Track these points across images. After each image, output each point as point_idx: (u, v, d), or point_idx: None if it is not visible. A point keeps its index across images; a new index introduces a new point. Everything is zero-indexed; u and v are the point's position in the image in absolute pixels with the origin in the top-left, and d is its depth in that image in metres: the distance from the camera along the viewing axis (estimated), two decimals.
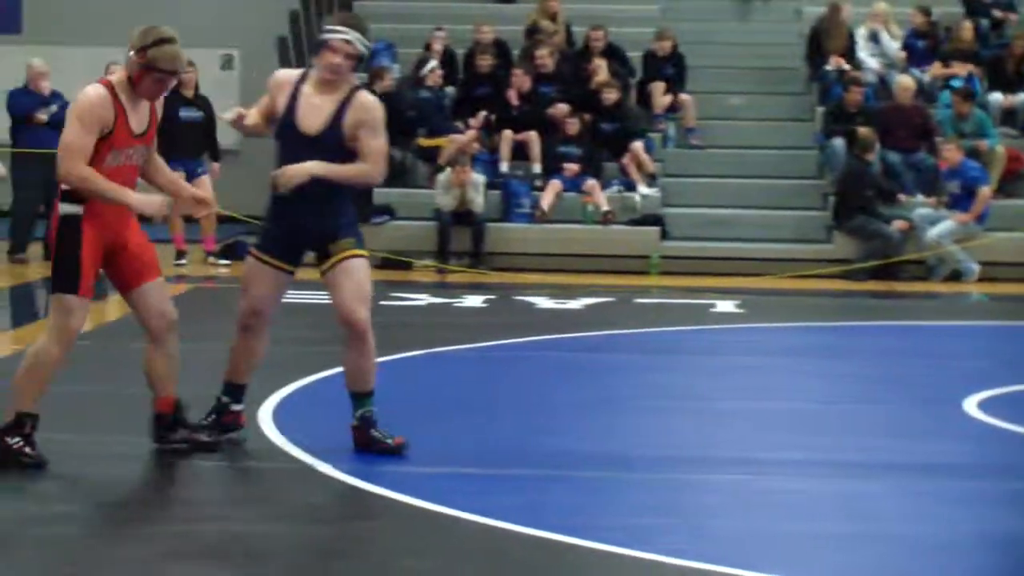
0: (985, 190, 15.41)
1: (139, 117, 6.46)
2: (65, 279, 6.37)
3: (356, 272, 6.62)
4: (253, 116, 6.58)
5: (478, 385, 8.97)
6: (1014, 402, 8.54)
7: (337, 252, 6.60)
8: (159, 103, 6.58)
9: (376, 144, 6.58)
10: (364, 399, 6.76)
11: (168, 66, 6.36)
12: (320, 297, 13.07)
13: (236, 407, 6.91)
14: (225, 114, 6.64)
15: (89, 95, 6.35)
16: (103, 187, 6.30)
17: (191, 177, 15.21)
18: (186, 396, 8.27)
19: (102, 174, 6.34)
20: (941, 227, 15.34)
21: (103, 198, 6.32)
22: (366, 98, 6.58)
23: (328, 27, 6.58)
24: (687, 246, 16.00)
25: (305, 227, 6.63)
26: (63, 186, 6.37)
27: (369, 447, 6.72)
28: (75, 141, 6.28)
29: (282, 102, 6.56)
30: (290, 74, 6.68)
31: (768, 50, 18.94)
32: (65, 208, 6.38)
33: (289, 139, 6.56)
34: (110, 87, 6.38)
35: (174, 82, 6.48)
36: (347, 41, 6.48)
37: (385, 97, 16.49)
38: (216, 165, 15.38)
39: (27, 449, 6.39)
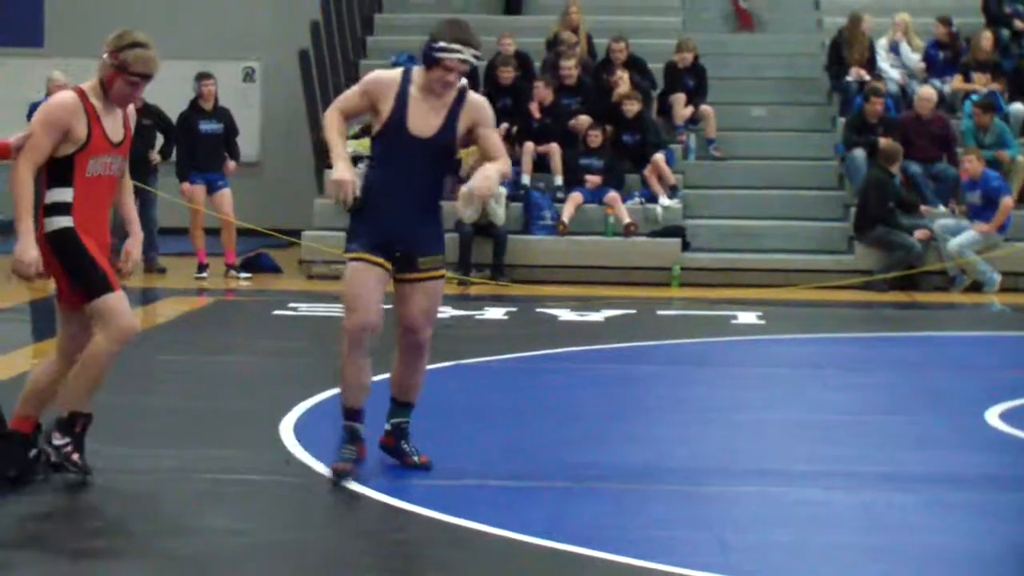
0: (1007, 200, 15.37)
1: (114, 124, 6.41)
2: (95, 284, 6.30)
3: (436, 292, 6.60)
4: (350, 167, 6.35)
5: (500, 397, 8.98)
6: None
7: (426, 267, 6.53)
8: (132, 114, 6.51)
9: (498, 138, 6.66)
10: (404, 409, 6.74)
11: (141, 69, 6.31)
12: (336, 310, 13.11)
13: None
14: (336, 200, 6.39)
15: (56, 98, 6.34)
16: (20, 199, 6.20)
17: (212, 190, 15.30)
18: (208, 407, 8.31)
19: (85, 185, 6.31)
20: (962, 238, 15.31)
21: (14, 207, 6.23)
22: (476, 97, 6.56)
23: (442, 44, 6.35)
24: (708, 257, 15.99)
25: (406, 232, 6.48)
26: (45, 202, 6.32)
27: (393, 455, 6.72)
28: (33, 140, 6.24)
29: (387, 105, 6.43)
30: (392, 76, 6.49)
31: (789, 61, 18.94)
32: (59, 222, 6.31)
33: (398, 142, 6.44)
34: (80, 93, 6.35)
35: (143, 89, 6.42)
36: (463, 61, 6.38)
37: None
38: (232, 164, 15.44)
39: (75, 456, 6.39)
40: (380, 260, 6.45)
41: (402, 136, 6.43)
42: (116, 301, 6.32)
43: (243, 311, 13.54)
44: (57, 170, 6.31)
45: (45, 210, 6.31)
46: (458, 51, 6.36)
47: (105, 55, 6.34)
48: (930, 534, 5.99)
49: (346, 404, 6.57)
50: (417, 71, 6.49)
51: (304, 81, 17.69)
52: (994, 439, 7.83)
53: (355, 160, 17.07)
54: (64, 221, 6.31)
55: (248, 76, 20.54)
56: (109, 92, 6.35)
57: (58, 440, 6.40)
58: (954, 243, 15.31)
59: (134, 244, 6.58)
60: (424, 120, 6.44)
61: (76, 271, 6.32)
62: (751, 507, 6.37)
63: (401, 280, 6.55)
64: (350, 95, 6.55)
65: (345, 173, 6.32)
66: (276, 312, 12.70)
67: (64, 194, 6.31)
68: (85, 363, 6.35)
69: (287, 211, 17.98)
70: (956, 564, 5.57)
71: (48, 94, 15.26)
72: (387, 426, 6.74)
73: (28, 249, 6.21)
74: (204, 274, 15.22)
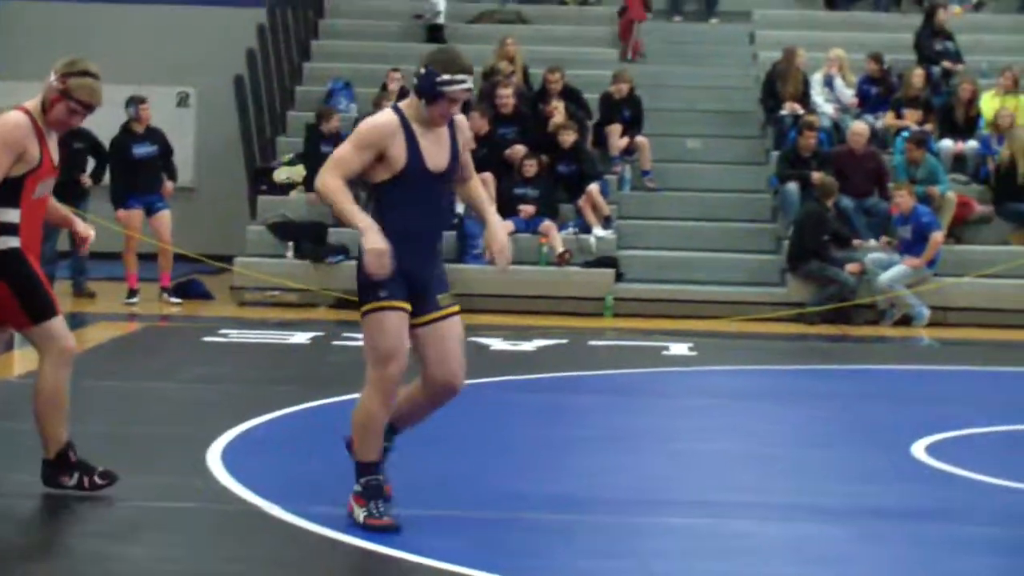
0: (937, 235, 15.52)
1: (54, 146, 6.43)
2: (41, 308, 6.33)
3: (460, 332, 6.34)
4: (382, 235, 6.02)
5: (430, 426, 8.91)
6: (960, 446, 8.60)
7: (446, 303, 6.27)
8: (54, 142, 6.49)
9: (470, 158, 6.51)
10: (392, 433, 6.44)
11: (84, 97, 6.31)
12: (267, 337, 13.05)
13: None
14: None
15: (11, 119, 6.29)
16: None
17: (150, 212, 15.20)
18: (135, 433, 8.23)
19: (30, 206, 6.31)
20: (893, 272, 15.43)
21: None
22: (461, 118, 6.37)
23: (446, 77, 6.08)
24: (642, 288, 16.03)
25: (426, 272, 6.21)
26: None
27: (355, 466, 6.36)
28: None
29: (398, 149, 6.08)
30: (390, 119, 6.14)
31: (724, 94, 19.05)
32: (6, 242, 6.30)
33: (418, 182, 6.14)
34: (28, 113, 6.34)
35: (83, 118, 6.41)
36: (467, 90, 6.18)
37: (334, 137, 16.59)
38: (170, 185, 15.38)
39: (96, 481, 6.48)
40: (407, 305, 6.18)
41: (421, 175, 6.16)
42: (59, 324, 6.39)
43: (173, 337, 13.44)
44: (6, 191, 6.27)
45: None
46: (462, 81, 6.14)
47: (53, 78, 6.33)
48: (861, 566, 6.01)
49: (370, 458, 6.20)
50: (409, 106, 6.20)
51: (239, 107, 17.63)
52: (921, 472, 7.87)
53: (290, 187, 17.08)
54: (12, 241, 6.31)
55: (183, 101, 20.45)
56: (48, 114, 6.34)
57: (70, 482, 6.47)
58: (884, 277, 15.43)
59: (81, 225, 6.66)
60: (437, 156, 6.21)
61: (25, 292, 6.31)
62: (681, 538, 6.37)
63: (424, 323, 6.23)
64: (348, 156, 6.09)
65: (382, 242, 6.02)
66: (206, 338, 12.62)
67: (11, 215, 6.30)
68: (48, 399, 6.40)
69: (220, 237, 17.88)
70: None
71: None
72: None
73: None
74: (134, 299, 15.11)
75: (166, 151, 15.46)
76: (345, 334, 13.17)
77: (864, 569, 5.95)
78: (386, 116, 6.18)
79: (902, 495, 7.29)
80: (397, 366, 6.12)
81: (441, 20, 19.74)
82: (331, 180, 6.07)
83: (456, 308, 6.33)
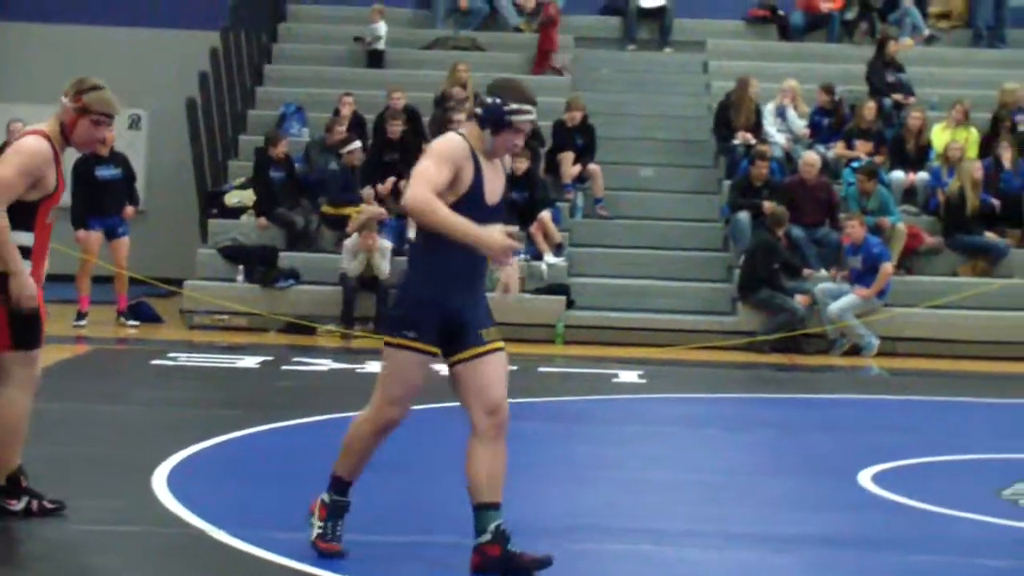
0: (887, 266, 15.61)
1: (64, 171, 6.49)
2: (30, 335, 6.37)
3: (503, 365, 6.09)
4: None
5: (380, 452, 8.90)
6: (908, 475, 8.64)
7: (491, 339, 6.05)
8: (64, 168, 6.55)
9: None
10: (496, 510, 6.01)
11: (104, 108, 6.41)
12: (216, 361, 12.99)
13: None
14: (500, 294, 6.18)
15: (32, 145, 6.31)
16: (6, 248, 6.22)
17: (112, 236, 15.09)
18: (81, 455, 8.16)
19: (42, 231, 6.37)
20: (842, 302, 15.51)
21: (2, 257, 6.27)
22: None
23: (515, 107, 5.96)
24: (592, 315, 16.05)
25: (469, 306, 6.08)
26: None
27: (505, 567, 5.94)
28: (9, 180, 6.23)
29: (468, 174, 5.90)
30: (461, 142, 5.94)
31: (678, 123, 19.13)
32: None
33: (474, 210, 5.89)
34: (47, 139, 6.37)
35: (107, 129, 6.51)
36: (533, 120, 6.08)
37: (281, 163, 16.56)
38: (131, 209, 15.29)
39: (45, 505, 6.49)
40: (434, 350, 6.03)
41: (480, 206, 5.96)
42: (38, 354, 6.45)
43: (121, 360, 13.37)
44: (18, 215, 6.29)
45: None
46: (529, 111, 6.03)
47: (66, 100, 6.39)
48: None
49: (348, 478, 6.18)
50: (470, 135, 6.00)
51: (191, 130, 17.57)
52: (866, 500, 7.90)
53: (241, 211, 17.02)
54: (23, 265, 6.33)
55: (134, 124, 20.38)
56: (72, 136, 6.41)
57: (16, 506, 6.46)
58: (834, 307, 15.50)
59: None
60: (494, 187, 6.04)
61: (22, 318, 6.32)
62: (628, 565, 6.37)
63: (464, 359, 6.05)
64: (432, 170, 5.84)
65: (496, 232, 5.87)
66: (155, 361, 12.55)
67: (24, 238, 6.34)
68: (8, 425, 6.40)
69: (170, 260, 17.80)
70: None
71: None
72: (486, 537, 5.97)
73: (30, 283, 6.28)
74: (83, 322, 15.00)
75: (129, 175, 15.38)
76: (295, 359, 13.13)
77: None
78: (457, 138, 5.99)
79: (850, 524, 7.31)
80: (400, 410, 6.11)
81: (382, 45, 19.72)
82: (424, 192, 5.80)
83: (500, 344, 6.11)
